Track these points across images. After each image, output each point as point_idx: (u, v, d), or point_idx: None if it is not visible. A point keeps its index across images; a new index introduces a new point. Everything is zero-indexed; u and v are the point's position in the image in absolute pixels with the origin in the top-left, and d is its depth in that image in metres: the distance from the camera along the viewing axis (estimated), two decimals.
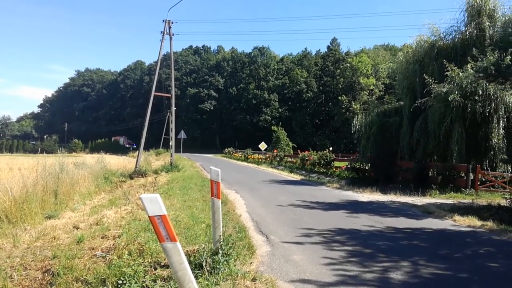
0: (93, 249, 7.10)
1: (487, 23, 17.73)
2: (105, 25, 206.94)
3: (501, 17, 18.07)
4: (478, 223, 9.92)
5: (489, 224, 9.71)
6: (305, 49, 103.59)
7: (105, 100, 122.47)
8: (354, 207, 12.62)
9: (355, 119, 23.79)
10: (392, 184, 18.61)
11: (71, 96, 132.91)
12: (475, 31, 17.92)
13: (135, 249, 6.40)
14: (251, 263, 6.03)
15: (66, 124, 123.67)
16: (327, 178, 23.66)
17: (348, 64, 71.83)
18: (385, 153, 20.32)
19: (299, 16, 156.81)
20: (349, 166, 24.06)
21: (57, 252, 6.94)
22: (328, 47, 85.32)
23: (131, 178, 22.18)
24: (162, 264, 5.74)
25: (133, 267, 5.28)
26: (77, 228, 9.19)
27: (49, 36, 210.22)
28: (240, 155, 52.37)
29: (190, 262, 5.11)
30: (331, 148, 33.02)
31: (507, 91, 15.47)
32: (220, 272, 5.19)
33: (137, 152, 29.46)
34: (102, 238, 7.78)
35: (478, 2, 18.16)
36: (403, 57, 21.79)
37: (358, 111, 37.04)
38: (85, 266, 6.13)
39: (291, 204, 12.56)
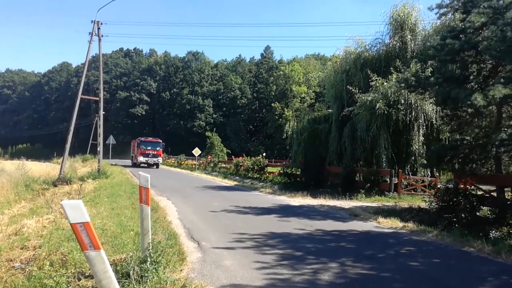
0: (11, 260, 6.61)
1: (409, 36, 18.87)
2: (29, 24, 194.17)
3: (421, 31, 19.32)
4: (400, 224, 10.54)
5: (410, 225, 10.34)
6: (240, 55, 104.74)
7: (28, 103, 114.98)
8: (286, 211, 12.88)
9: (287, 125, 24.27)
10: (322, 188, 19.25)
11: None
12: (398, 44, 19.01)
13: (58, 259, 6.04)
14: (181, 270, 5.92)
15: None
16: (261, 184, 23.93)
17: (281, 72, 73.55)
18: (315, 158, 20.96)
19: (233, 22, 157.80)
20: (281, 171, 24.48)
21: None
22: (262, 54, 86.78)
23: (55, 185, 20.99)
24: (86, 274, 5.45)
25: (54, 278, 4.97)
26: None
27: None
28: (173, 161, 51.40)
29: (116, 271, 4.92)
30: (264, 154, 33.49)
31: (426, 100, 16.56)
32: (148, 280, 5.03)
33: (61, 158, 27.94)
34: (22, 248, 7.26)
35: (401, 16, 19.27)
36: (332, 67, 22.69)
37: (290, 118, 37.93)
38: (2, 279, 5.68)
39: (224, 209, 12.53)
